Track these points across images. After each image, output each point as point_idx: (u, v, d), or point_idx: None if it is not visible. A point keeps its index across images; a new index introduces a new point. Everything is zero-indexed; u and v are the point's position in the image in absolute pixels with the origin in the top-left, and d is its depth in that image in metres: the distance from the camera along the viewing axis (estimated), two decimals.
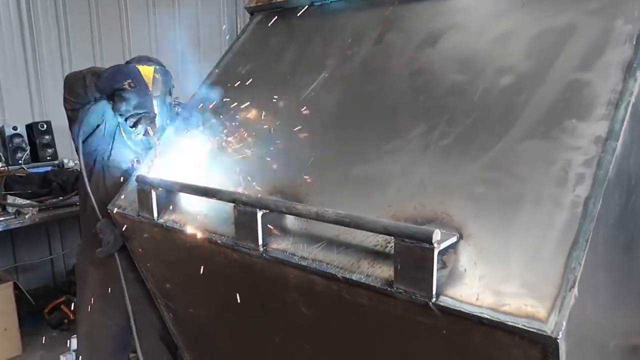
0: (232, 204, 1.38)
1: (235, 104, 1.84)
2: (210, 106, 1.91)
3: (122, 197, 1.87)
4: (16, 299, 3.71)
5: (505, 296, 0.94)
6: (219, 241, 1.46)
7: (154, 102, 2.16)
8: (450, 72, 1.41)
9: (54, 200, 3.26)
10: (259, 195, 1.38)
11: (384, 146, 1.37)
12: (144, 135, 1.88)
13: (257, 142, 1.66)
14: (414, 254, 1.02)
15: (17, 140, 3.94)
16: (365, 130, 1.46)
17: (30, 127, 4.04)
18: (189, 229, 1.56)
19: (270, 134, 1.66)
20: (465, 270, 1.02)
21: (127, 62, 2.18)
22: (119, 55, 4.79)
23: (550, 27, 1.30)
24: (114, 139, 2.15)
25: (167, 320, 2.12)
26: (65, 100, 1.98)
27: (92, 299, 2.13)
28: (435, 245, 0.99)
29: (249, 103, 1.80)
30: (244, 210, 1.35)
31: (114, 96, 1.85)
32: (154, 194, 1.66)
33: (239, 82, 1.92)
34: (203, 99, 1.97)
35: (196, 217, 1.59)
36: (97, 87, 1.86)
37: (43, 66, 4.31)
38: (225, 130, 1.78)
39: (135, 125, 1.87)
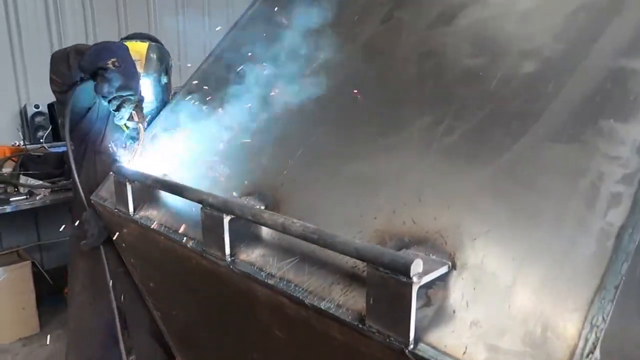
0: (200, 206, 1.20)
1: (232, 89, 1.65)
2: (206, 91, 1.73)
3: (105, 187, 1.73)
4: (37, 278, 3.72)
5: (502, 354, 0.72)
6: (188, 245, 1.29)
7: (149, 82, 2.00)
8: (463, 55, 1.16)
9: (66, 182, 3.20)
10: (230, 197, 1.18)
11: (379, 142, 1.15)
12: (128, 120, 1.71)
13: (248, 132, 1.47)
14: (388, 287, 0.80)
15: (38, 118, 3.90)
16: (362, 121, 1.24)
17: (52, 106, 3.99)
18: (161, 228, 1.39)
19: (261, 124, 1.46)
20: (454, 312, 0.80)
21: (121, 40, 2.03)
22: (145, 30, 4.69)
23: (589, 0, 1.03)
24: (107, 123, 2.01)
25: (156, 317, 1.98)
26: (51, 80, 1.83)
27: (82, 290, 2.03)
28: (415, 279, 0.77)
29: (245, 89, 1.60)
30: (210, 213, 1.16)
31: (97, 75, 1.69)
32: (129, 187, 1.50)
33: (239, 64, 1.73)
34: (200, 82, 1.79)
35: (170, 215, 1.42)
36: (80, 66, 1.70)
37: (67, 43, 4.24)
38: (218, 119, 1.60)
39: (118, 109, 1.69)
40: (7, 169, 3.34)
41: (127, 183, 1.50)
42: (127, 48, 1.76)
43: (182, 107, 1.74)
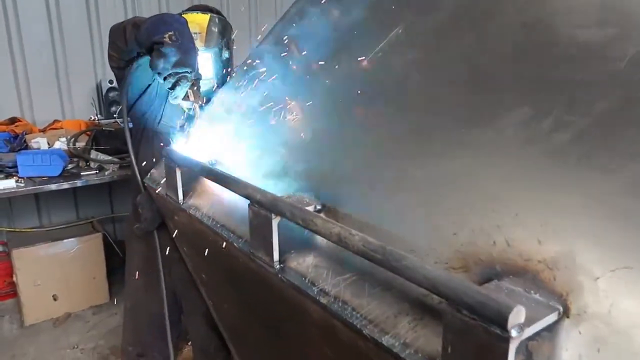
0: (248, 202, 1.04)
1: (293, 70, 1.47)
2: (264, 71, 1.56)
3: (158, 170, 1.63)
4: (108, 250, 3.84)
5: None
6: (235, 244, 1.14)
7: (209, 57, 1.87)
8: (581, 25, 0.90)
9: None
10: (281, 196, 1.01)
11: (463, 137, 0.92)
12: (183, 99, 1.60)
13: (306, 118, 1.29)
14: (475, 337, 0.60)
15: (112, 94, 3.97)
16: (440, 110, 1.02)
17: None
18: (209, 221, 1.26)
19: (328, 110, 1.27)
20: None
21: (182, 12, 1.90)
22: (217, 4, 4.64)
23: None
24: (165, 101, 1.91)
25: (210, 306, 1.89)
26: (109, 56, 1.76)
27: (137, 272, 1.98)
28: (514, 333, 0.56)
29: (306, 70, 1.42)
30: (258, 212, 1.00)
31: (153, 50, 1.57)
32: (178, 172, 1.38)
33: (300, 44, 1.54)
34: (257, 62, 1.63)
35: (220, 207, 1.28)
36: (137, 40, 1.60)
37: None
38: (278, 101, 1.43)
39: (173, 87, 1.58)
40: (81, 143, 3.42)
41: (177, 168, 1.38)
42: (185, 21, 1.63)
43: (240, 87, 1.59)
